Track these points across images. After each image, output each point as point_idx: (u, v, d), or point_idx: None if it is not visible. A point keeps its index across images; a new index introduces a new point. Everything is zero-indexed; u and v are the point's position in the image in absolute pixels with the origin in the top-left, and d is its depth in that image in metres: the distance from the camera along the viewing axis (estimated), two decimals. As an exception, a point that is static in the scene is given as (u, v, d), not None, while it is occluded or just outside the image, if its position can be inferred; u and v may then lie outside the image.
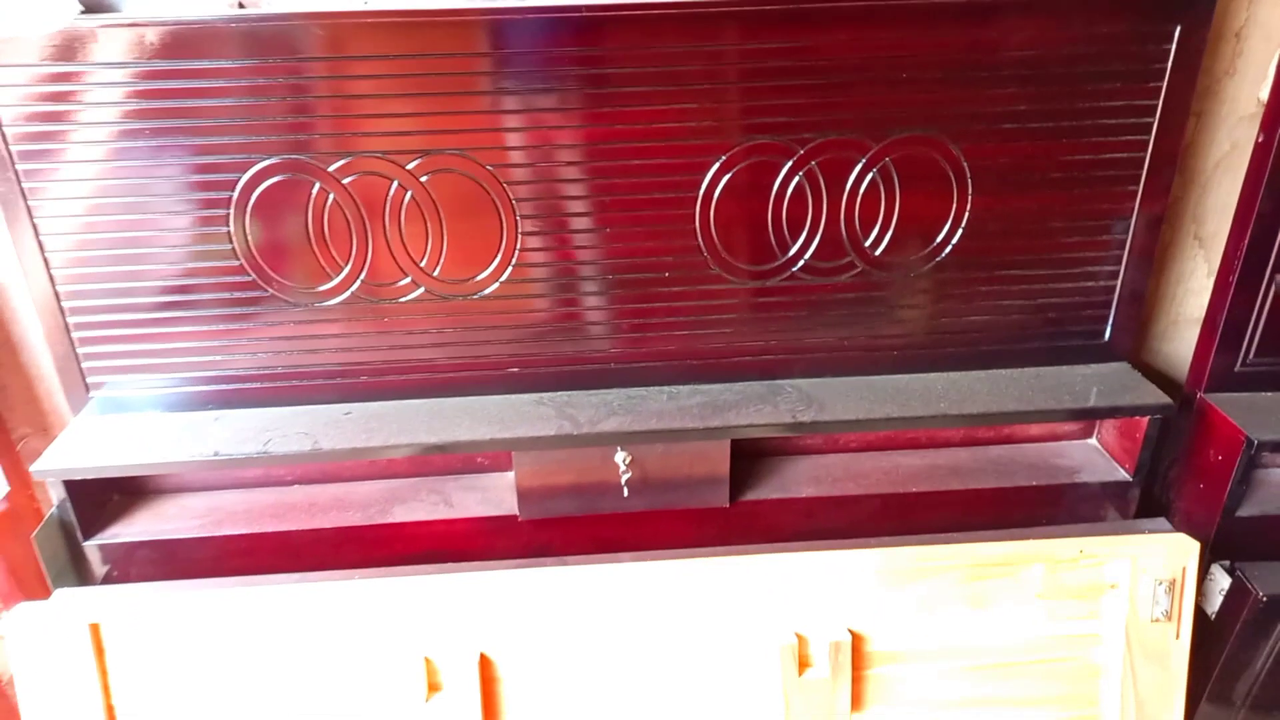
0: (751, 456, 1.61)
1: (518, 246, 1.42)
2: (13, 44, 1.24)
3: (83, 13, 1.25)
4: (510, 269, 1.43)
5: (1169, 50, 1.34)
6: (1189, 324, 1.67)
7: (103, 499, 1.54)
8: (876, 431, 1.59)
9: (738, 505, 1.53)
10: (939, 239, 1.46)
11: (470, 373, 1.50)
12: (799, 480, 1.57)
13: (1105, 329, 1.54)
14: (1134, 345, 1.57)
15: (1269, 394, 1.50)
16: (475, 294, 1.44)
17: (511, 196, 1.38)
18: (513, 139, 1.35)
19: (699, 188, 1.40)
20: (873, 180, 1.41)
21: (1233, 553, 1.49)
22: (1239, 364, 1.48)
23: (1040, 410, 1.45)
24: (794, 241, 1.45)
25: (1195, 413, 1.51)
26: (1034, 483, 1.55)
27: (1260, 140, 1.35)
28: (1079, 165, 1.41)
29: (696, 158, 1.38)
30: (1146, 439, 1.50)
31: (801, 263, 1.46)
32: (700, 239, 1.43)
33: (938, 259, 1.47)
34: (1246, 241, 1.39)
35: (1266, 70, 1.44)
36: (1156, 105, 1.38)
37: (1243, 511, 1.47)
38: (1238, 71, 1.46)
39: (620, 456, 1.46)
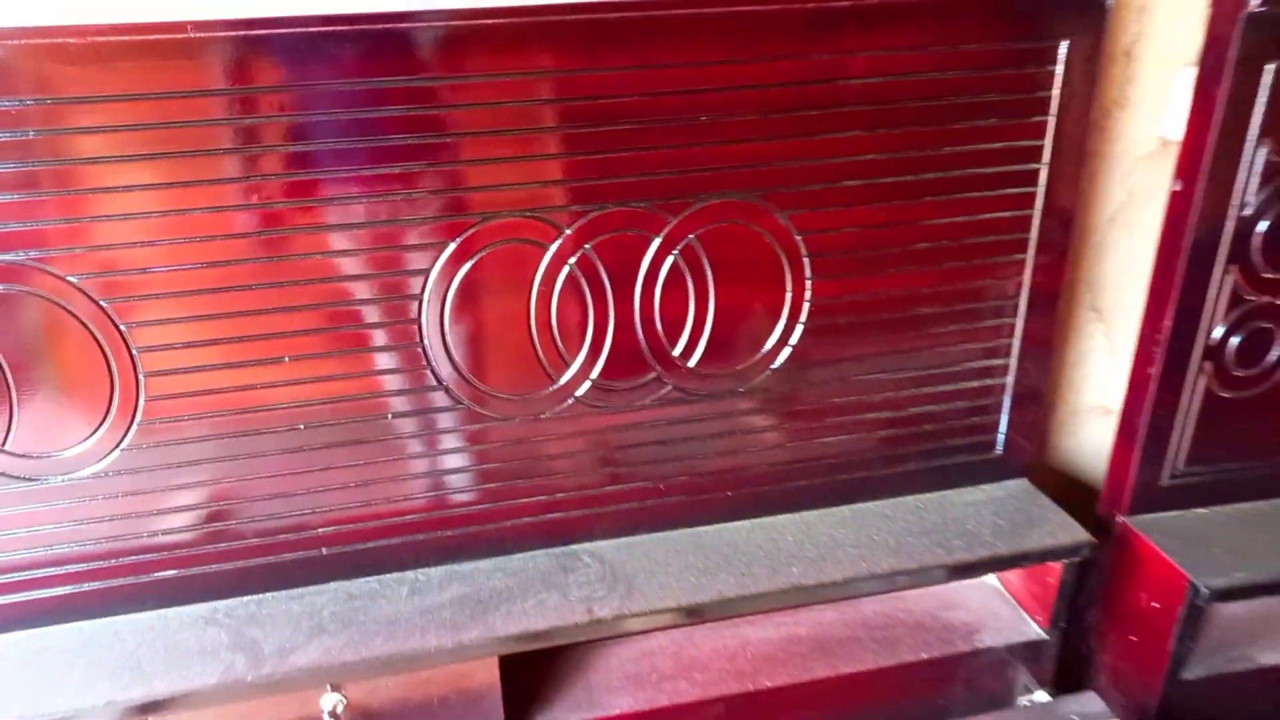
0: (543, 651, 1.15)
1: (140, 395, 0.92)
2: None
3: None
4: (133, 429, 0.93)
5: (1054, 74, 0.99)
6: (1090, 413, 1.33)
7: None
8: (704, 619, 1.16)
9: (521, 739, 1.07)
10: (773, 340, 1.05)
11: (92, 585, 0.98)
12: (612, 684, 1.12)
13: (997, 439, 1.17)
14: (1034, 456, 1.21)
15: (1202, 511, 1.16)
16: (79, 472, 0.93)
17: (116, 321, 0.89)
18: (116, 232, 0.86)
19: (423, 288, 0.95)
20: (674, 266, 0.99)
21: (1180, 724, 1.14)
22: (1165, 476, 1.14)
23: (923, 568, 1.06)
24: (573, 356, 1.01)
25: (1117, 543, 1.16)
26: (923, 656, 1.14)
27: (1178, 190, 1.02)
28: (950, 231, 1.04)
29: (418, 243, 0.93)
30: (1062, 586, 1.13)
31: (587, 384, 1.03)
32: (431, 361, 0.98)
33: (773, 366, 1.06)
34: (1169, 322, 1.05)
35: (1166, 98, 1.12)
36: (1043, 146, 1.02)
37: (1189, 673, 1.12)
38: (1131, 101, 1.13)
39: (330, 702, 0.96)
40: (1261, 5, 0.90)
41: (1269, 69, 0.93)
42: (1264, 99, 0.95)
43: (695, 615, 1.02)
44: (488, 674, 1.01)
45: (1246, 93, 0.94)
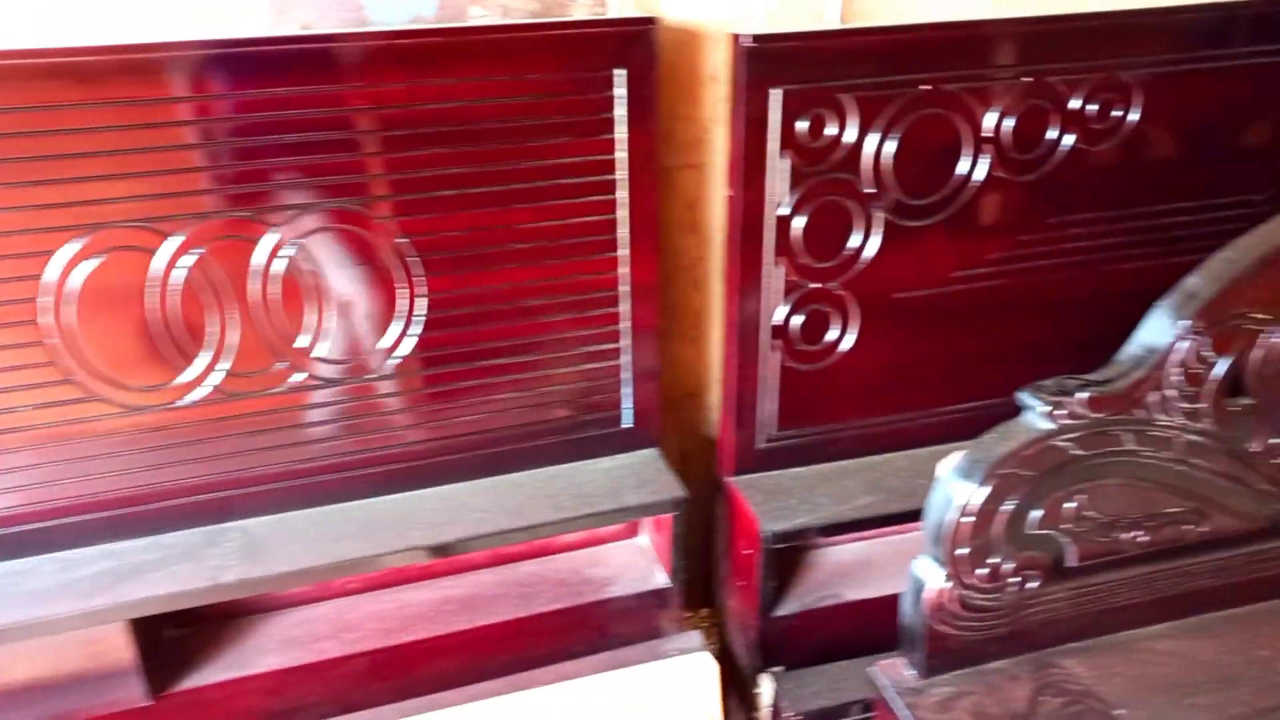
0: (209, 622, 1.26)
1: None
2: None
3: None
4: None
5: (616, 98, 1.16)
6: (741, 392, 1.51)
7: None
8: (328, 580, 1.29)
9: (166, 699, 1.17)
10: (395, 331, 1.19)
11: None
12: (266, 647, 1.24)
13: (624, 414, 1.33)
14: (663, 428, 1.38)
15: (795, 470, 1.34)
16: None
17: None
18: None
19: (41, 292, 1.05)
20: (289, 268, 1.12)
21: (782, 657, 1.32)
22: (761, 441, 1.32)
23: (530, 526, 1.21)
24: (200, 349, 1.13)
25: (725, 500, 1.34)
26: (556, 606, 1.30)
27: (730, 195, 1.20)
28: (544, 233, 1.20)
29: (33, 252, 1.04)
30: (675, 539, 1.29)
31: (219, 374, 1.14)
32: (59, 358, 1.08)
33: (400, 354, 1.20)
34: (736, 308, 1.23)
35: (747, 116, 1.31)
36: (617, 160, 1.19)
37: (780, 610, 1.30)
38: (723, 118, 1.31)
39: (-42, 668, 1.06)
40: (754, 42, 1.09)
41: (775, 93, 1.12)
42: (776, 117, 1.13)
43: (310, 579, 1.15)
44: (122, 642, 1.11)
45: (760, 113, 1.13)
